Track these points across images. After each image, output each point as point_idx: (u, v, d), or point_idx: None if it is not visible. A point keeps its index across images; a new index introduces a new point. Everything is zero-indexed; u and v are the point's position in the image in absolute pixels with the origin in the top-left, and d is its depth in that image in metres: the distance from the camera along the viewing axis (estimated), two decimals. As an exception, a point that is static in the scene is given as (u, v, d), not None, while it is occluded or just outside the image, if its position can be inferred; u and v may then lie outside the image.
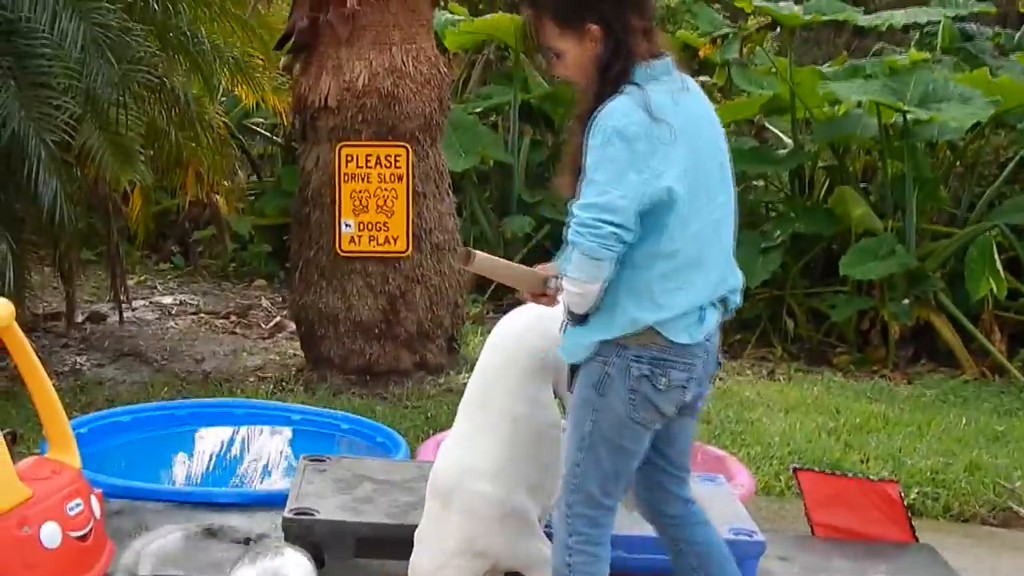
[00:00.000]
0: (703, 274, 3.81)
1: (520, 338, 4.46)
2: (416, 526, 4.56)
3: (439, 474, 4.44)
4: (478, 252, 3.96)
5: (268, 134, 12.86)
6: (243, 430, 6.98)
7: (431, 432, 6.75)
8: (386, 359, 7.78)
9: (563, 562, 3.94)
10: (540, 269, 4.03)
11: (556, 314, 4.09)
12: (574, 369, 3.94)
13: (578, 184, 3.73)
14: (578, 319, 3.81)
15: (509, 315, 4.63)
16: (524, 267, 4.12)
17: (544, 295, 3.96)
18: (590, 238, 3.62)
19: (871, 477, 6.00)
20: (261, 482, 6.47)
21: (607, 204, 3.62)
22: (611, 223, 3.61)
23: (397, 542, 4.69)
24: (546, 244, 11.30)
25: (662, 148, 3.65)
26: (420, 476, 5.33)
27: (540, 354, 4.38)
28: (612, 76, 3.70)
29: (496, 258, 4.13)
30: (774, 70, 11.28)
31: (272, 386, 7.76)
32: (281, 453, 6.95)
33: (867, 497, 5.63)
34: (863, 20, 11.38)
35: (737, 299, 3.99)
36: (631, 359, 3.78)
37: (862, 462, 7.00)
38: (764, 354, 10.13)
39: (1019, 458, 7.27)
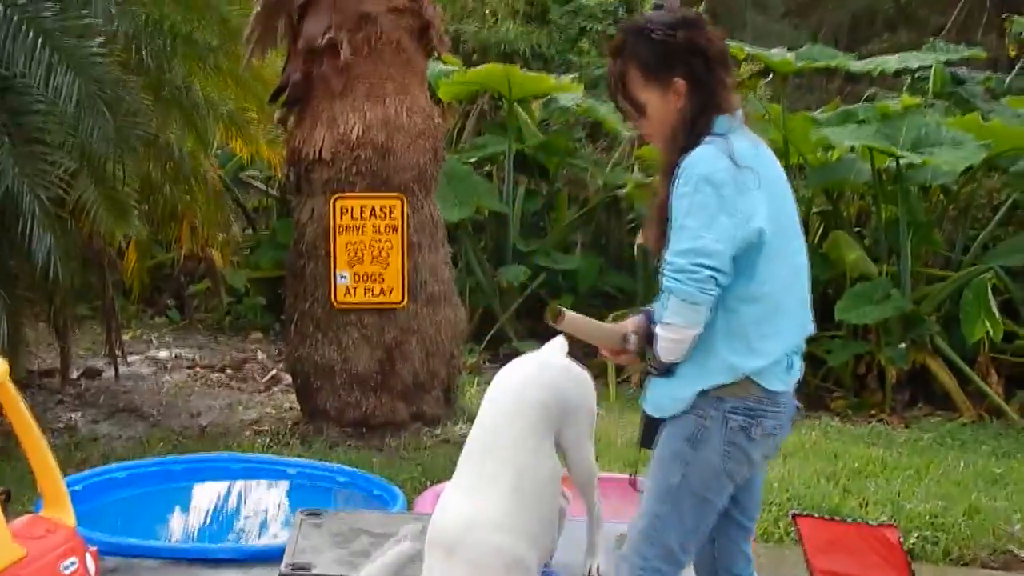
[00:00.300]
0: (790, 319, 3.84)
1: (522, 390, 4.45)
2: (414, 579, 4.52)
3: (443, 525, 4.40)
4: (567, 311, 3.98)
5: (263, 187, 12.89)
6: (239, 484, 6.94)
7: (428, 484, 6.71)
8: (382, 411, 7.76)
9: None
10: (618, 326, 4.03)
11: (558, 364, 4.08)
12: (651, 423, 3.92)
13: (665, 236, 3.75)
14: (664, 371, 3.81)
15: (509, 366, 4.61)
16: (605, 324, 4.11)
17: (624, 352, 3.98)
18: (688, 283, 3.64)
19: (870, 522, 5.97)
20: (259, 537, 6.42)
21: (702, 248, 3.65)
22: (707, 266, 3.64)
23: (396, 596, 4.66)
24: (541, 293, 11.32)
25: (748, 192, 3.68)
26: (420, 529, 5.31)
27: (542, 405, 4.37)
28: (698, 130, 3.74)
29: (581, 316, 4.09)
30: (767, 116, 11.31)
31: (268, 439, 7.73)
32: (279, 507, 6.90)
33: (866, 542, 5.60)
34: (855, 66, 11.44)
35: (804, 346, 3.96)
36: (728, 411, 3.76)
37: (861, 507, 6.97)
38: (760, 399, 10.09)
39: (1018, 500, 7.25)
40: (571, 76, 12.40)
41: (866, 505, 7.01)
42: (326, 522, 5.29)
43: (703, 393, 3.75)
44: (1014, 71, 13.24)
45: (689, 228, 3.66)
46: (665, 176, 3.79)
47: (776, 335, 3.77)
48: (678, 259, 3.66)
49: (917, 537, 6.53)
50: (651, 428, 3.93)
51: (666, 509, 3.85)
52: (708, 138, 3.72)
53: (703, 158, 3.69)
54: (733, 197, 3.65)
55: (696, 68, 3.76)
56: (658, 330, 3.76)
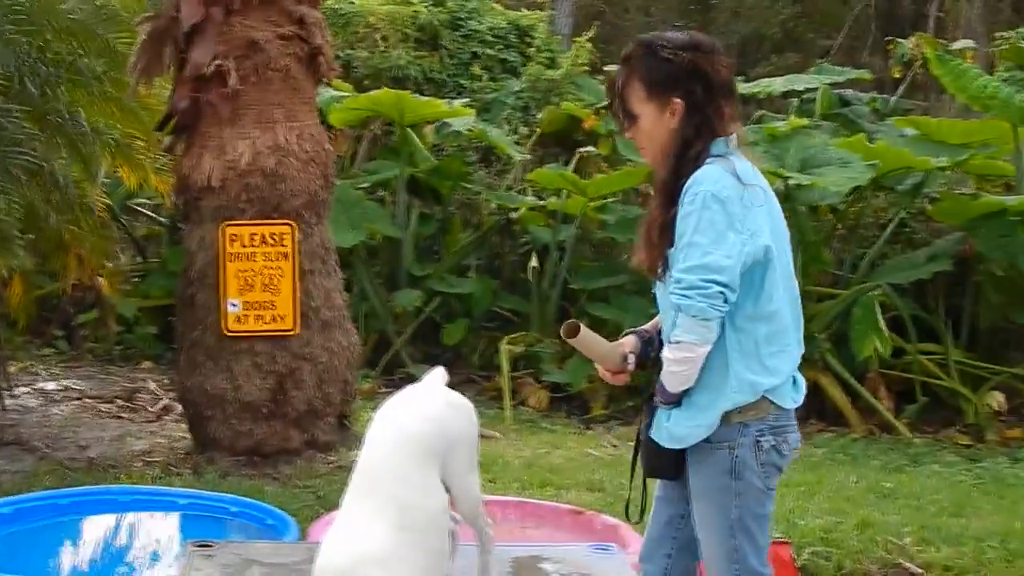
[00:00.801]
0: (795, 337, 3.92)
1: (404, 424, 4.41)
2: (306, 610, 4.47)
3: (330, 558, 4.36)
4: (584, 328, 4.00)
5: (153, 215, 12.73)
6: (131, 517, 6.82)
7: (322, 512, 6.64)
8: (275, 439, 7.68)
9: None
10: (619, 345, 4.08)
11: (438, 395, 4.09)
12: (669, 452, 3.94)
13: (660, 256, 3.83)
14: (672, 401, 3.86)
15: (391, 400, 4.58)
16: (608, 343, 4.12)
17: (622, 372, 4.05)
18: (699, 299, 3.68)
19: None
20: (151, 569, 6.32)
21: (712, 264, 3.68)
22: (718, 282, 3.68)
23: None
24: (436, 317, 11.30)
25: (754, 209, 3.75)
26: (311, 558, 5.24)
27: (425, 438, 4.33)
28: (693, 154, 3.79)
29: (592, 333, 4.10)
30: (657, 139, 11.42)
31: (159, 470, 7.62)
32: (171, 538, 6.80)
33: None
34: (742, 88, 11.58)
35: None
36: (755, 435, 3.84)
37: (756, 525, 7.02)
38: (658, 420, 10.16)
39: (908, 515, 7.36)
40: (463, 101, 12.42)
41: (762, 522, 7.06)
42: (217, 553, 5.19)
43: (725, 420, 3.82)
44: (898, 92, 13.50)
45: (699, 245, 3.70)
46: (659, 196, 3.88)
47: (783, 353, 3.87)
48: (688, 276, 3.69)
49: (810, 553, 6.59)
50: (662, 457, 3.97)
51: (738, 541, 3.91)
52: (710, 159, 3.79)
53: (709, 176, 3.74)
54: (740, 214, 3.72)
55: (695, 92, 3.83)
56: (666, 352, 3.81)
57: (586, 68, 13.46)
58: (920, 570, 6.52)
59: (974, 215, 10.24)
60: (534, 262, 11.15)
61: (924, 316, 10.72)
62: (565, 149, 12.49)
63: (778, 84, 11.62)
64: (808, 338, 10.36)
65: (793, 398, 3.90)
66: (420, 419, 4.33)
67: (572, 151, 12.19)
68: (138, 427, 9.07)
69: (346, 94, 11.38)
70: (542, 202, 11.64)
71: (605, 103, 11.73)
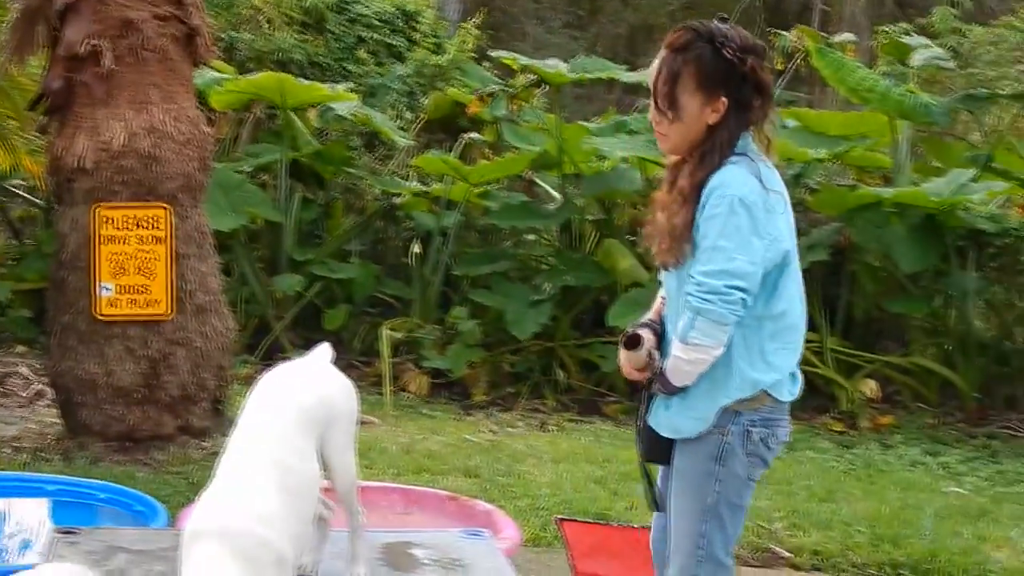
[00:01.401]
0: (799, 335, 3.97)
1: (287, 391, 4.39)
2: (173, 596, 4.41)
3: (207, 515, 4.25)
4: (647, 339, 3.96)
5: (28, 196, 12.49)
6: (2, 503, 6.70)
7: (194, 498, 6.57)
8: (148, 424, 7.57)
9: None
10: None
11: (323, 369, 4.09)
12: (664, 440, 3.96)
13: (682, 250, 3.80)
14: (674, 392, 3.88)
15: (275, 370, 4.56)
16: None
17: (645, 368, 3.98)
18: (721, 304, 3.71)
19: (635, 525, 6.08)
20: (20, 557, 6.21)
21: (737, 270, 3.72)
22: (740, 288, 3.72)
23: (152, 613, 4.55)
24: (317, 302, 11.23)
25: (775, 215, 3.80)
26: (177, 544, 5.19)
27: (307, 407, 4.31)
28: (727, 153, 3.80)
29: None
30: (543, 126, 11.45)
31: (28, 456, 7.48)
32: (41, 524, 6.68)
33: (630, 544, 5.68)
34: (626, 77, 11.64)
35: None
36: (746, 424, 3.88)
37: (628, 510, 7.09)
38: (536, 406, 10.22)
39: (779, 501, 7.48)
40: (347, 85, 12.34)
41: (633, 508, 7.12)
42: (82, 540, 5.12)
43: (722, 409, 3.86)
44: (780, 84, 13.65)
45: (724, 249, 3.72)
46: (688, 189, 3.82)
47: (787, 349, 3.92)
48: (712, 280, 3.72)
49: (682, 538, 6.66)
50: (658, 444, 4.00)
51: (708, 526, 3.95)
52: (734, 158, 3.81)
53: (736, 178, 3.77)
54: (764, 219, 3.75)
55: (744, 94, 3.85)
56: (678, 351, 3.82)
57: (472, 54, 13.44)
58: (789, 554, 6.62)
59: (851, 206, 10.41)
60: (416, 248, 11.12)
61: (801, 304, 10.86)
62: (450, 135, 12.48)
63: (661, 73, 11.66)
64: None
65: (790, 391, 3.96)
66: (306, 388, 4.32)
67: (457, 137, 12.17)
68: (8, 412, 8.90)
69: (228, 76, 11.24)
70: (426, 188, 11.62)
71: (489, 90, 11.76)
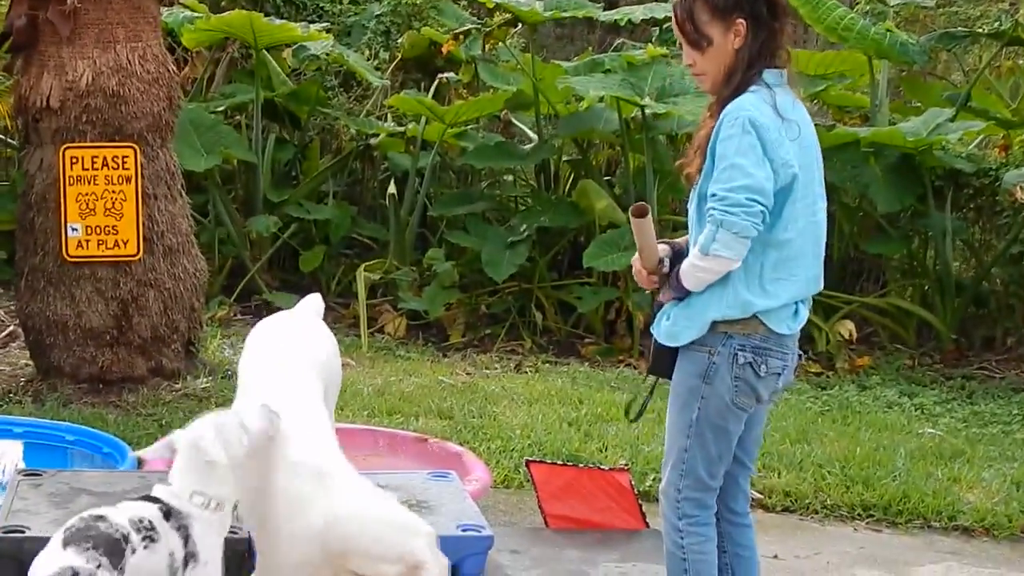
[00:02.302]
0: (804, 269, 4.09)
1: (301, 340, 4.32)
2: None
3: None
4: (650, 215, 4.22)
5: (2, 136, 12.34)
6: (-31, 445, 6.65)
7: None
8: (119, 366, 7.54)
9: (676, 543, 4.23)
10: (659, 247, 4.25)
11: (324, 330, 4.39)
12: (666, 352, 4.16)
13: (700, 161, 4.06)
14: (682, 296, 4.09)
15: (273, 320, 4.52)
16: (656, 240, 4.28)
17: (655, 273, 4.20)
18: (744, 216, 3.86)
19: (603, 467, 6.08)
20: (-4, 497, 6.17)
21: (755, 185, 3.88)
22: (760, 202, 3.89)
23: (114, 556, 4.52)
24: (293, 244, 11.17)
25: (786, 142, 3.97)
26: (142, 487, 5.15)
27: (318, 362, 4.27)
28: (751, 74, 4.02)
29: (652, 227, 4.26)
30: (519, 66, 11.35)
31: (-2, 398, 7.46)
32: (15, 465, 6.64)
33: (598, 486, 5.70)
34: (602, 16, 11.53)
35: (810, 301, 4.27)
36: (736, 347, 4.04)
37: (600, 451, 7.09)
38: (514, 347, 10.18)
39: (752, 441, 7.45)
40: (323, 25, 12.20)
41: (605, 449, 7.13)
42: (45, 483, 5.09)
43: (713, 327, 4.04)
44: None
45: (741, 166, 3.90)
46: (712, 112, 4.09)
47: (788, 280, 4.05)
48: (733, 195, 3.89)
49: (653, 479, 6.64)
50: (662, 356, 4.21)
51: (690, 442, 4.14)
52: (753, 87, 4.00)
53: (749, 103, 3.97)
54: (775, 143, 3.93)
55: (759, 12, 4.03)
56: (695, 258, 3.99)
57: (449, -8, 13.29)
58: (760, 495, 6.62)
59: (827, 146, 10.26)
60: (392, 189, 11.04)
61: (778, 245, 10.84)
62: (427, 75, 12.35)
63: (638, 12, 11.52)
64: (663, 266, 10.42)
65: (789, 325, 4.08)
66: (317, 342, 4.32)
67: (433, 77, 12.06)
68: (-19, 354, 8.86)
69: (199, 15, 11.09)
70: (401, 128, 11.52)
71: (464, 28, 11.64)
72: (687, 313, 4.08)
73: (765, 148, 3.92)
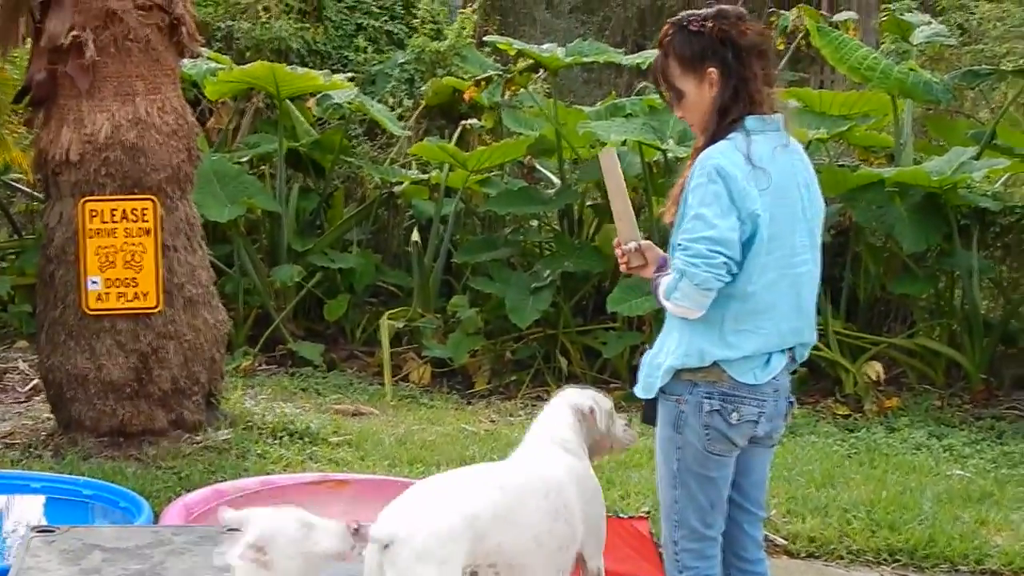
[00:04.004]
0: (774, 323, 4.04)
1: None
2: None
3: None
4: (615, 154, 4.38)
5: (30, 190, 12.42)
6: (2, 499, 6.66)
7: (182, 492, 6.54)
8: (139, 419, 7.52)
9: None
10: (637, 237, 4.28)
11: None
12: (652, 404, 4.20)
13: (672, 209, 4.09)
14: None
15: None
16: (632, 215, 4.35)
17: (624, 255, 4.23)
18: (705, 268, 3.85)
19: (622, 515, 6.01)
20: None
21: (718, 237, 3.86)
22: (723, 254, 3.86)
23: (125, 613, 4.51)
24: (317, 293, 11.17)
25: (756, 192, 3.91)
26: (155, 541, 5.14)
27: None
28: (729, 121, 4.02)
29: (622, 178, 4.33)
30: (542, 111, 11.35)
31: (19, 453, 7.45)
32: (39, 521, 6.64)
33: (619, 535, 5.63)
34: (625, 60, 11.53)
35: (805, 353, 4.24)
36: (702, 396, 4.03)
37: (622, 498, 7.02)
38: (539, 394, 10.12)
39: (778, 486, 7.38)
40: (345, 75, 12.25)
41: (627, 496, 7.06)
42: (59, 539, 5.08)
43: (677, 375, 4.04)
44: (780, 64, 13.53)
45: (705, 217, 3.87)
46: (693, 160, 4.07)
47: (754, 333, 4.01)
48: (695, 245, 3.87)
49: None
50: (649, 406, 4.24)
51: (678, 493, 4.15)
52: (732, 135, 3.99)
53: (719, 151, 3.95)
54: (742, 192, 3.88)
55: (726, 57, 4.02)
56: (663, 300, 4.01)
57: (471, 40, 13.34)
58: (784, 541, 6.55)
59: (852, 186, 10.27)
60: (416, 236, 11.04)
61: (804, 287, 10.76)
62: (450, 121, 12.38)
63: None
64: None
65: (755, 375, 4.04)
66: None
67: (457, 124, 12.08)
68: (5, 408, 8.88)
69: (223, 66, 11.16)
70: (425, 176, 11.53)
71: (486, 75, 11.66)
72: (653, 363, 4.12)
73: (732, 197, 3.88)
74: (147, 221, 7.46)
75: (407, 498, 4.22)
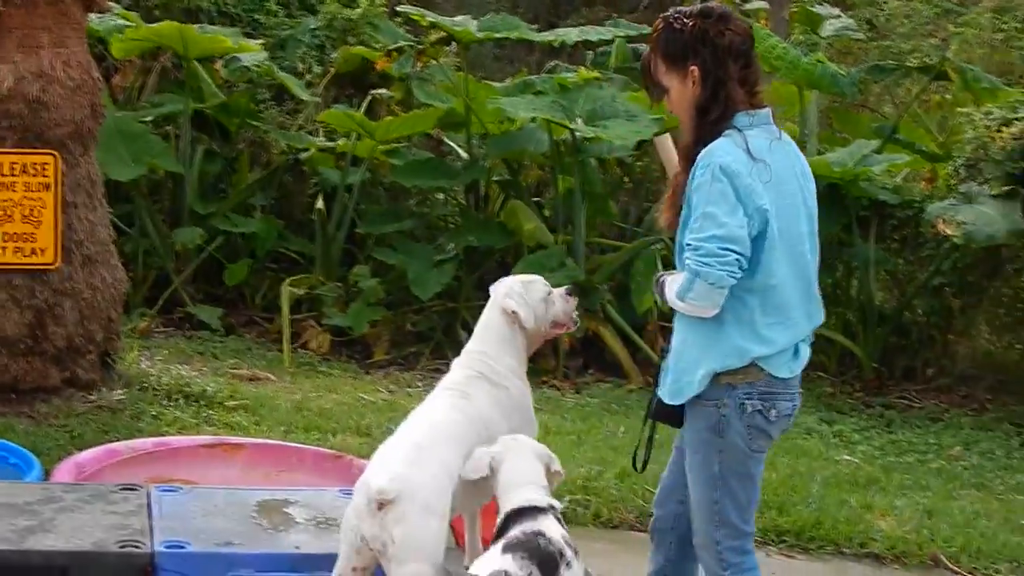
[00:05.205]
0: (798, 311, 4.12)
1: None
2: (34, 551, 4.36)
3: None
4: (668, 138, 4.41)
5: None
6: None
7: (74, 451, 6.48)
8: (32, 375, 7.41)
9: None
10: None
11: None
12: (669, 407, 4.25)
13: (670, 211, 4.17)
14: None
15: None
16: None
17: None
18: (718, 267, 3.90)
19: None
20: None
21: (728, 234, 3.91)
22: (734, 251, 3.92)
23: (12, 569, 4.47)
24: (218, 256, 11.08)
25: (761, 185, 3.98)
26: (45, 498, 5.09)
27: None
28: (711, 120, 4.10)
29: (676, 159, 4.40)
30: (452, 85, 11.34)
31: (-92, 406, 7.32)
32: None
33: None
34: (536, 37, 11.56)
35: (812, 337, 4.29)
36: (742, 397, 4.08)
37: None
38: (438, 366, 10.11)
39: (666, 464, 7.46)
40: (259, 41, 12.12)
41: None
42: (-54, 492, 5.02)
43: (715, 379, 4.08)
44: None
45: (713, 215, 3.93)
46: (683, 160, 4.16)
47: (783, 324, 4.09)
48: (707, 244, 3.92)
49: (569, 501, 6.66)
50: (667, 407, 4.28)
51: (718, 494, 4.19)
52: (727, 132, 4.05)
53: (720, 148, 4.01)
54: (748, 187, 3.95)
55: (706, 57, 4.08)
56: (675, 300, 4.08)
57: (384, 9, 13.25)
58: (674, 520, 6.61)
59: (756, 172, 10.39)
60: (320, 204, 10.99)
61: (705, 271, 10.87)
62: (359, 91, 12.30)
63: (573, 34, 11.58)
64: (590, 289, 10.50)
65: (790, 368, 4.12)
66: None
67: (366, 93, 12.02)
68: None
69: (131, 24, 10.99)
70: (332, 144, 11.47)
71: (398, 46, 11.61)
72: (685, 368, 4.14)
73: (738, 194, 3.95)
74: (47, 176, 7.34)
75: (397, 453, 4.43)
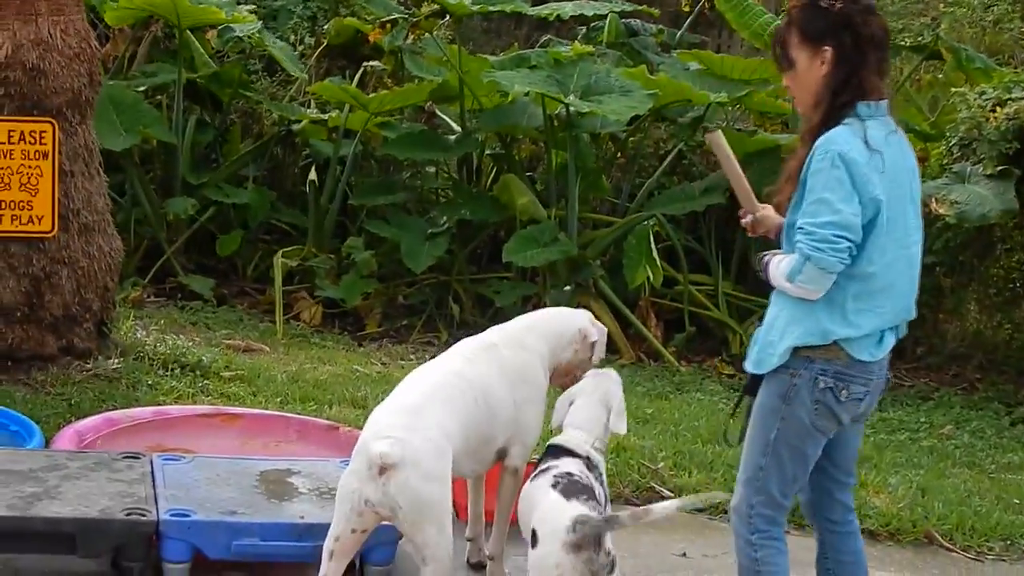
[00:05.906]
0: (892, 301, 4.21)
1: None
2: (40, 518, 4.39)
3: None
4: (721, 135, 4.60)
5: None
6: None
7: (72, 419, 6.48)
8: (29, 343, 7.39)
9: (750, 557, 4.38)
10: (755, 202, 4.57)
11: None
12: (755, 380, 4.38)
13: (787, 191, 4.27)
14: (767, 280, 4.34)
15: None
16: (748, 188, 4.58)
17: (745, 216, 4.59)
18: (831, 253, 4.02)
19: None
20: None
21: (842, 221, 4.03)
22: (847, 239, 4.04)
23: (19, 535, 4.49)
24: (210, 227, 11.06)
25: (876, 176, 4.08)
26: (49, 465, 5.11)
27: None
28: (839, 103, 4.16)
29: (732, 155, 4.56)
30: (445, 58, 11.32)
31: (-97, 373, 7.31)
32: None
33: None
34: (531, 10, 11.56)
35: (905, 328, 4.42)
36: (818, 372, 4.19)
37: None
38: (430, 339, 10.17)
39: (664, 440, 7.52)
40: (248, 8, 12.07)
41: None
42: (-50, 459, 5.03)
43: (795, 352, 4.18)
44: (684, 26, 13.64)
45: (829, 201, 4.04)
46: (803, 141, 4.28)
47: (872, 312, 4.17)
48: (821, 230, 4.03)
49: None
50: (754, 378, 4.41)
51: (767, 461, 4.31)
52: (847, 120, 4.14)
53: (840, 136, 4.10)
54: (864, 177, 4.04)
55: (845, 43, 4.15)
56: (783, 282, 4.18)
57: (378, -19, 13.20)
58: (671, 494, 6.66)
59: (749, 151, 10.41)
60: (313, 176, 10.97)
61: (696, 247, 10.93)
62: (352, 62, 12.28)
63: (567, 8, 11.57)
64: (583, 264, 10.51)
65: (872, 352, 4.19)
66: None
67: (359, 65, 12.00)
68: None
69: (124, -9, 10.93)
70: (324, 115, 11.45)
71: (391, 18, 11.59)
72: (771, 340, 4.25)
73: (854, 183, 4.05)
74: (45, 144, 7.31)
75: (395, 417, 4.53)
